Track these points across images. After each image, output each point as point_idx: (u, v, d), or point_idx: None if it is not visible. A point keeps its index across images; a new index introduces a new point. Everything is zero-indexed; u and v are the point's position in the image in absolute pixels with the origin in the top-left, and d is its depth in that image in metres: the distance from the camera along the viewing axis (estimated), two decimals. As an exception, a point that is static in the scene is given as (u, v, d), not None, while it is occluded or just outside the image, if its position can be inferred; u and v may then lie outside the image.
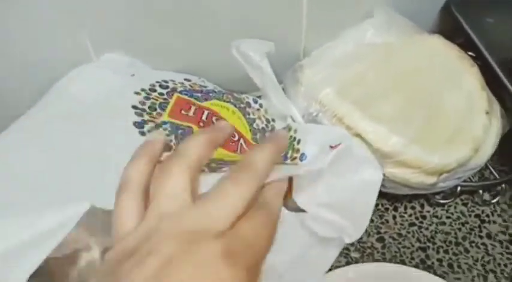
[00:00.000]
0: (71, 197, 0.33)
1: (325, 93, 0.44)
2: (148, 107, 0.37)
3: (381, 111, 0.42)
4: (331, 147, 0.35)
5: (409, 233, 0.48)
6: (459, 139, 0.43)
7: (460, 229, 0.48)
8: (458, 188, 0.47)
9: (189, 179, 0.23)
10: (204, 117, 0.39)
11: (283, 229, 0.37)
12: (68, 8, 0.40)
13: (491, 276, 0.45)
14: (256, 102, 0.46)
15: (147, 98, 0.38)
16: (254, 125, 0.43)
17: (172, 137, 0.35)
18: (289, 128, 0.43)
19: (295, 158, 0.38)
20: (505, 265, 0.45)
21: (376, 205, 0.50)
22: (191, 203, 0.22)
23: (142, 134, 0.35)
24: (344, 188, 0.37)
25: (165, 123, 0.36)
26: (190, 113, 0.38)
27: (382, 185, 0.45)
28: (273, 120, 0.46)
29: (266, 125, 0.45)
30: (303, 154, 0.39)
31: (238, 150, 0.39)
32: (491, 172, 0.50)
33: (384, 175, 0.43)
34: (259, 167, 0.24)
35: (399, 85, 0.44)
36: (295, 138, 0.41)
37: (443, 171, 0.43)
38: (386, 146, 0.41)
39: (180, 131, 0.36)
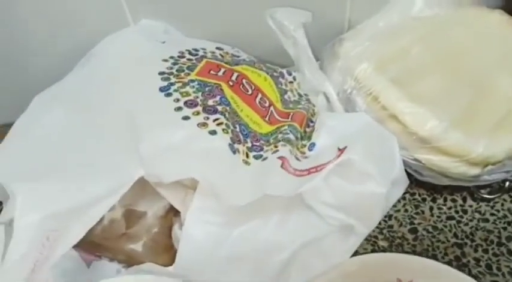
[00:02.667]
0: (100, 161, 0.34)
1: (362, 68, 0.41)
2: (176, 70, 0.37)
3: (421, 90, 0.39)
4: (339, 149, 0.33)
5: (445, 226, 0.44)
6: (509, 128, 0.39)
7: (505, 228, 0.43)
8: (507, 183, 0.43)
9: None
10: (233, 78, 0.37)
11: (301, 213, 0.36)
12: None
13: (534, 284, 0.40)
14: (290, 74, 0.44)
15: (175, 64, 0.38)
16: (285, 96, 0.41)
17: (199, 94, 0.35)
18: (312, 113, 0.41)
19: (304, 145, 0.36)
20: (554, 273, 0.40)
21: (413, 194, 0.47)
22: None
23: (169, 95, 0.34)
24: (350, 192, 0.34)
25: (192, 81, 0.36)
26: (220, 73, 0.37)
27: (419, 173, 0.42)
28: (306, 95, 0.44)
29: (298, 98, 0.43)
30: (312, 144, 0.37)
31: (268, 117, 0.37)
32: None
33: (420, 162, 0.40)
34: None
35: (445, 63, 0.40)
36: (313, 125, 0.39)
37: (488, 163, 0.39)
38: (424, 130, 0.38)
39: (207, 88, 0.35)
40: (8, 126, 0.37)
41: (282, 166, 0.31)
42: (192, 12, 0.46)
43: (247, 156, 0.32)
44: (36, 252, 0.31)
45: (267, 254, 0.36)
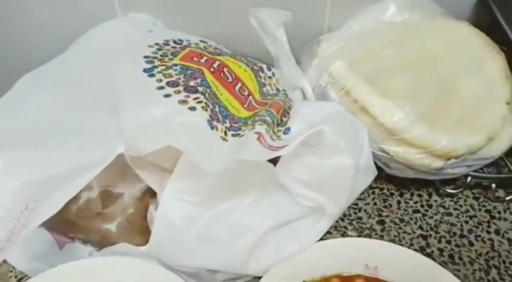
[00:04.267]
0: (83, 134, 0.35)
1: (336, 65, 0.43)
2: (160, 55, 0.39)
3: (390, 87, 0.42)
4: (310, 128, 0.35)
5: (411, 219, 0.46)
6: (472, 125, 0.42)
7: (467, 222, 0.46)
8: (469, 178, 0.45)
9: None
10: (215, 65, 0.39)
11: (269, 194, 0.38)
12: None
13: (493, 271, 0.42)
14: (269, 70, 0.46)
15: (160, 50, 0.40)
16: (264, 89, 0.44)
17: (181, 76, 0.36)
18: (289, 106, 0.43)
19: (279, 130, 0.38)
20: (511, 263, 0.43)
21: (382, 189, 0.49)
22: None
23: (152, 76, 0.36)
24: (321, 168, 0.36)
25: (175, 65, 0.37)
26: (202, 60, 0.39)
27: (387, 165, 0.44)
28: (284, 90, 0.46)
29: (276, 92, 0.45)
30: (288, 128, 0.39)
31: (246, 105, 0.39)
32: (509, 169, 0.48)
33: (388, 154, 0.42)
34: None
35: (413, 65, 0.43)
36: (289, 116, 0.41)
37: (451, 156, 0.41)
38: (391, 122, 0.40)
39: (189, 72, 0.37)
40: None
41: (257, 139, 0.33)
42: (179, 7, 0.48)
43: (226, 134, 0.34)
44: (14, 219, 0.31)
45: (239, 235, 0.37)
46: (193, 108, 0.33)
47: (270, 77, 0.46)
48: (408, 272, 0.39)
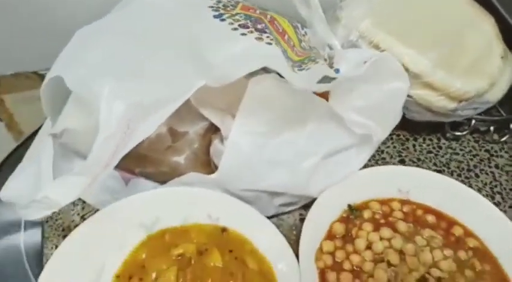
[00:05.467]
0: (168, 69, 0.38)
1: (364, 24, 0.50)
2: (222, 5, 0.43)
3: (412, 39, 0.49)
4: (365, 62, 0.41)
5: (427, 158, 0.54)
6: (478, 72, 0.50)
7: (471, 159, 0.54)
8: (473, 122, 0.53)
9: None
10: (268, 18, 0.44)
11: (324, 125, 0.43)
12: None
13: (498, 196, 0.50)
14: (303, 28, 0.52)
15: (219, 2, 0.44)
16: (302, 44, 0.49)
17: (248, 21, 0.41)
18: (327, 58, 0.49)
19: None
20: (510, 189, 0.51)
21: (398, 135, 0.56)
22: None
23: (223, 20, 0.40)
24: (375, 94, 0.43)
25: (238, 14, 0.42)
26: (257, 12, 0.44)
27: (407, 109, 0.51)
28: (314, 48, 0.52)
29: (310, 49, 0.51)
30: (337, 69, 0.45)
31: (295, 53, 0.44)
32: (502, 116, 0.57)
33: (411, 97, 0.49)
34: None
35: (427, 20, 0.51)
36: (332, 63, 0.47)
37: (462, 98, 0.49)
38: (416, 68, 0.47)
39: (252, 18, 0.42)
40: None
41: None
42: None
43: (293, 70, 0.39)
44: (119, 137, 0.35)
45: (302, 160, 0.42)
46: (269, 44, 0.39)
47: (303, 35, 0.52)
48: (437, 194, 0.46)
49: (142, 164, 0.44)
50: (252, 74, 0.40)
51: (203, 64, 0.38)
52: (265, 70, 0.40)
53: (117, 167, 0.45)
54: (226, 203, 0.43)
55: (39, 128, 0.44)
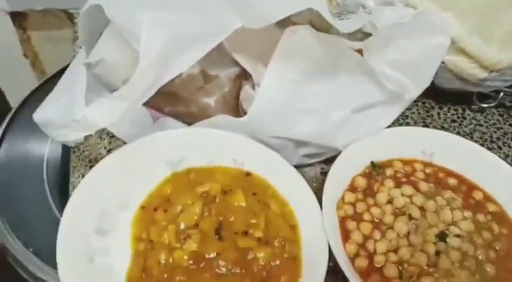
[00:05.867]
0: (209, 9, 0.38)
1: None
2: None
3: (450, 3, 0.48)
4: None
5: (450, 127, 0.54)
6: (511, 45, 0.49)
7: (495, 132, 0.54)
8: (501, 94, 0.53)
9: None
10: None
11: (356, 78, 0.43)
12: None
13: (518, 169, 0.51)
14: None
15: None
16: (337, 1, 0.49)
17: None
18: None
19: None
20: (532, 163, 0.51)
21: (424, 103, 0.56)
22: None
23: None
24: (413, 48, 0.42)
25: None
26: None
27: (437, 75, 0.51)
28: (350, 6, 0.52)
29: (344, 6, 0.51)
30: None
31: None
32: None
33: (443, 62, 0.49)
34: None
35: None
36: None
37: (494, 69, 0.49)
38: (452, 31, 0.47)
39: None
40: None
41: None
42: None
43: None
44: (158, 66, 0.35)
45: (332, 110, 0.43)
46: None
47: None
48: (460, 158, 0.46)
49: (173, 102, 0.44)
50: (285, 26, 0.40)
51: (244, 3, 0.38)
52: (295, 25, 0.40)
53: (147, 104, 0.46)
54: (252, 148, 0.43)
55: (62, 69, 0.44)
